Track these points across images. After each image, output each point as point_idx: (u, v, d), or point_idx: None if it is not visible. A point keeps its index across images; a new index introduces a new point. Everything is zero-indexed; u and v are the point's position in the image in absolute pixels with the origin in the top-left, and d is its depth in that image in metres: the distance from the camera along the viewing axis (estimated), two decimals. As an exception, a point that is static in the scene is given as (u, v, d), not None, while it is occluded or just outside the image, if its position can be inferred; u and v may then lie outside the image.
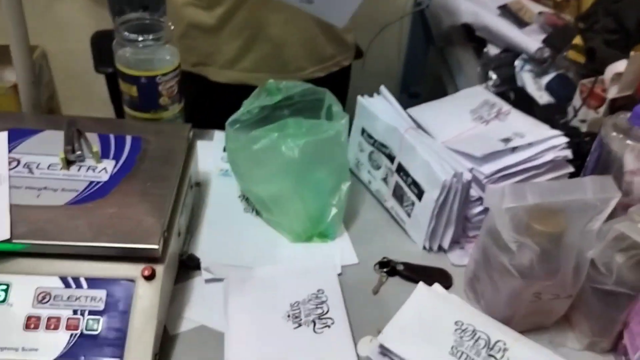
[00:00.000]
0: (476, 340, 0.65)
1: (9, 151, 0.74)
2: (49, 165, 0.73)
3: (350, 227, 0.86)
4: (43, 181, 0.70)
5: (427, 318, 0.67)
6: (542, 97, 1.12)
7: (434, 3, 1.40)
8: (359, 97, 0.90)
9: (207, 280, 0.75)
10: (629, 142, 0.73)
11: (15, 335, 0.60)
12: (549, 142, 0.81)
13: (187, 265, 0.75)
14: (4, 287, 0.62)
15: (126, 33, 0.84)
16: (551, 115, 1.05)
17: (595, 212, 0.65)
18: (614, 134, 0.75)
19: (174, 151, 0.79)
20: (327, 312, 0.69)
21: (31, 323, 0.61)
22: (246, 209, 0.86)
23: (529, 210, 0.64)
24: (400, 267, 0.79)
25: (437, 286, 0.73)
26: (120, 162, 0.75)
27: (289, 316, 0.69)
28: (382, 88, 0.90)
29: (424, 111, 0.93)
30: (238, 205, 0.87)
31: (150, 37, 0.84)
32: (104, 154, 0.75)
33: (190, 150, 0.82)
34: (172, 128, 0.84)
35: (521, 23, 1.26)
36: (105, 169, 0.73)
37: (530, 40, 1.16)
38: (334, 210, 0.82)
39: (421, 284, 0.72)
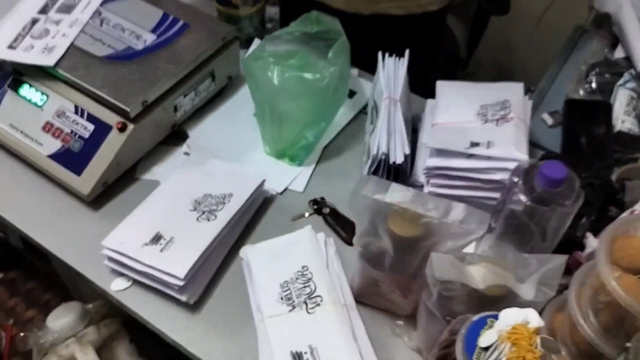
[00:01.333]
0: (305, 286, 0.75)
1: (101, 4, 0.99)
2: (115, 25, 0.96)
3: (326, 166, 0.95)
4: (102, 34, 0.94)
5: (288, 252, 0.79)
6: (625, 123, 0.98)
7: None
8: (380, 55, 0.94)
9: (185, 153, 0.95)
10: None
11: (35, 130, 0.89)
12: (506, 163, 0.77)
13: (176, 135, 0.96)
14: (45, 97, 0.90)
15: None
16: (608, 146, 0.94)
17: (451, 237, 0.66)
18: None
19: (206, 45, 0.96)
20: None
21: (46, 126, 0.89)
22: (255, 114, 1.01)
23: (389, 206, 0.68)
24: (326, 211, 0.88)
25: (321, 235, 0.82)
26: (160, 39, 0.95)
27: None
28: (406, 52, 0.92)
29: (450, 88, 0.93)
30: (251, 108, 1.02)
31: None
32: (155, 28, 0.96)
33: (224, 49, 0.98)
34: (219, 27, 1.00)
35: (673, 33, 1.06)
36: (144, 40, 0.94)
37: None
38: (304, 141, 0.93)
39: (308, 227, 0.82)
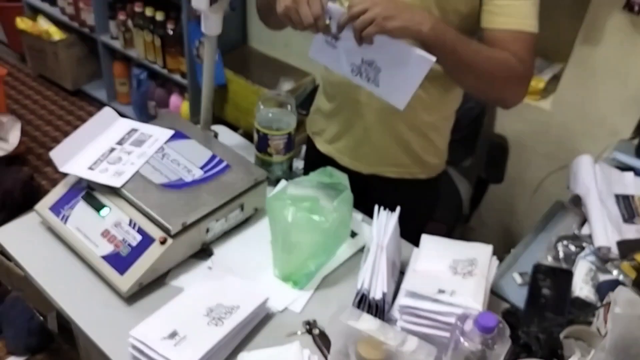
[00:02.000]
0: None
1: (165, 142, 1.27)
2: (173, 159, 1.22)
3: (323, 293, 1.14)
4: (161, 166, 1.20)
5: (276, 362, 0.95)
6: (583, 290, 1.14)
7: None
8: (375, 207, 1.15)
9: (208, 267, 1.15)
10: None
11: (95, 234, 1.12)
12: (464, 310, 0.94)
13: (204, 252, 1.17)
14: (108, 209, 1.15)
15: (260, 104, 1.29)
16: (564, 308, 1.09)
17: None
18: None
19: (241, 183, 1.20)
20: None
21: (105, 233, 1.12)
22: (271, 242, 1.23)
23: (358, 332, 0.85)
24: (316, 332, 1.05)
25: (307, 351, 0.98)
26: (206, 174, 1.20)
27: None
28: (397, 209, 1.14)
29: (432, 242, 1.13)
30: (268, 237, 1.23)
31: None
32: (203, 166, 1.22)
33: (255, 187, 1.22)
34: (254, 169, 1.25)
35: (632, 217, 1.25)
36: (193, 174, 1.19)
37: (602, 235, 1.17)
38: (307, 269, 1.12)
39: (297, 343, 0.99)
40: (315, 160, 1.42)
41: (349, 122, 1.33)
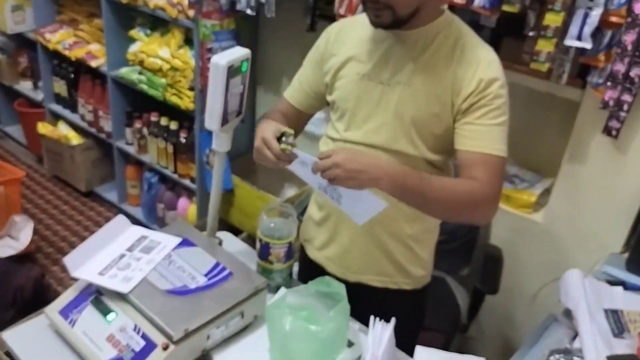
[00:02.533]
0: None
1: (172, 249, 1.34)
2: (178, 266, 1.29)
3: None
4: (167, 272, 1.26)
5: None
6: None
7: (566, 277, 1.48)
8: (371, 318, 1.20)
9: (206, 374, 1.18)
10: None
11: (100, 339, 1.16)
12: None
13: (204, 358, 1.20)
14: (114, 314, 1.20)
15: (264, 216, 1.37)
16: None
17: None
18: None
19: (242, 291, 1.25)
20: None
21: (110, 337, 1.16)
22: (269, 349, 1.26)
23: None
24: None
25: None
26: (209, 282, 1.26)
27: None
28: (392, 320, 1.18)
29: (425, 353, 1.16)
30: (267, 344, 1.26)
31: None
32: (207, 273, 1.28)
33: (255, 294, 1.27)
34: (255, 277, 1.31)
35: (622, 331, 1.28)
36: (197, 281, 1.25)
37: (592, 349, 1.20)
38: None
39: None
40: (307, 266, 1.48)
41: (336, 230, 1.40)
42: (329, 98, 1.37)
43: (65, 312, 1.22)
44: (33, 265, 2.59)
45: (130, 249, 1.32)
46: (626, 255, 1.75)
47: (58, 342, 1.21)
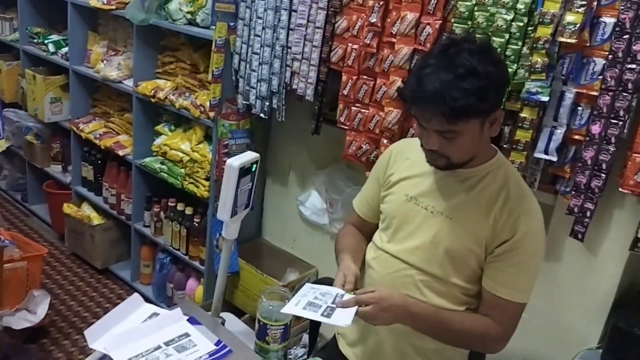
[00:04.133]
0: None
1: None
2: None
3: None
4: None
5: None
6: None
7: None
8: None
9: None
10: None
11: None
12: None
13: None
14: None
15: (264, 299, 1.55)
16: None
17: None
18: None
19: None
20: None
21: None
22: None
23: None
24: None
25: None
26: (211, 357, 1.41)
27: None
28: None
29: None
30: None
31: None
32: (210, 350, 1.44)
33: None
34: (252, 356, 1.46)
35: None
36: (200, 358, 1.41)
37: None
38: None
39: None
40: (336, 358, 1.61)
41: (365, 332, 1.53)
42: (380, 207, 1.54)
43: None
44: (38, 350, 2.71)
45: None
46: (600, 351, 1.87)
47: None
